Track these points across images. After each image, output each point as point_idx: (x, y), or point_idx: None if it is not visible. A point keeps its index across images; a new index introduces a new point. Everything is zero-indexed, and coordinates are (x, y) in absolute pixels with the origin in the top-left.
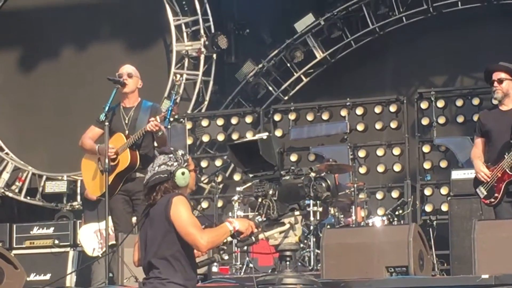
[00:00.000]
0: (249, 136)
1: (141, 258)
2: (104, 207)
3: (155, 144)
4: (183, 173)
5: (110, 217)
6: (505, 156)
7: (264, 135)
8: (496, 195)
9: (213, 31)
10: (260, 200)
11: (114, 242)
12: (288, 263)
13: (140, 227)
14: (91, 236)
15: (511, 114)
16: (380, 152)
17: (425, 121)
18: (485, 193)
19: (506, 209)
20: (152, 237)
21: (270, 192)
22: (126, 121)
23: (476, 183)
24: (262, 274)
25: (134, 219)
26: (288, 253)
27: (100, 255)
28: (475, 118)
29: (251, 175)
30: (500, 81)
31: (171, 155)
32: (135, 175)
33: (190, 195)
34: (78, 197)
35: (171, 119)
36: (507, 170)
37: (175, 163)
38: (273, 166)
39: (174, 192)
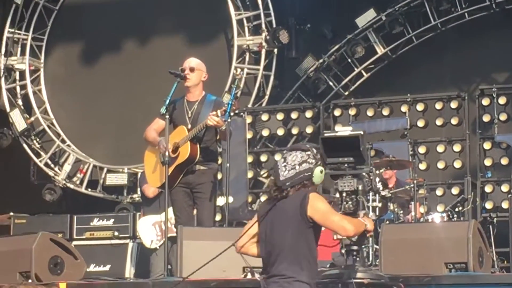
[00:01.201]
0: (309, 130)
1: (261, 250)
2: (164, 200)
3: (218, 137)
4: (321, 172)
5: (170, 209)
6: None
7: (354, 131)
8: None
9: (274, 25)
10: (344, 195)
11: (174, 234)
12: (355, 258)
13: (262, 218)
14: (150, 228)
15: None
16: (440, 148)
17: (486, 118)
18: None
19: None
20: (279, 232)
21: (360, 187)
22: (189, 115)
23: None
24: (327, 268)
25: (195, 212)
26: (355, 247)
27: (158, 247)
28: None
29: (332, 170)
30: None
31: (309, 152)
32: (195, 168)
33: (250, 189)
34: (139, 190)
35: (232, 114)
36: None
37: (313, 161)
38: (363, 162)
39: (306, 188)
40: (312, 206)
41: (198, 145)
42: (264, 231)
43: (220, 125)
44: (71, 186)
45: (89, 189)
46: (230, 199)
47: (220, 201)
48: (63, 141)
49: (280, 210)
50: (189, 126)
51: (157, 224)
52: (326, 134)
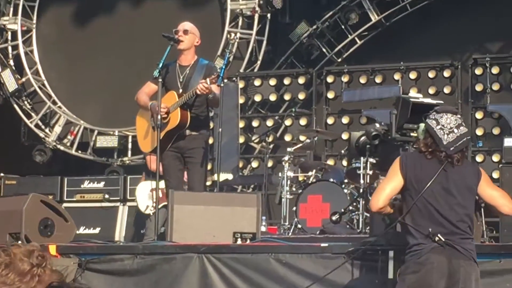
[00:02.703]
0: (301, 97)
1: (429, 210)
2: (161, 166)
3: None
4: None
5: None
6: None
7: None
8: None
9: None
10: None
11: (165, 203)
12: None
13: (429, 179)
14: (147, 194)
15: None
16: None
17: (479, 87)
18: None
19: None
20: (462, 197)
21: None
22: (181, 80)
23: None
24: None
25: (185, 178)
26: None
27: (152, 214)
28: None
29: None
30: None
31: (459, 115)
32: (186, 133)
33: (241, 155)
34: (129, 153)
35: (225, 79)
36: None
37: (464, 123)
38: None
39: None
40: (483, 182)
41: (188, 112)
42: (432, 192)
43: (209, 92)
44: (62, 148)
45: (80, 151)
46: (230, 176)
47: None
48: (54, 103)
49: (456, 175)
50: (180, 90)
51: (155, 191)
52: (413, 100)
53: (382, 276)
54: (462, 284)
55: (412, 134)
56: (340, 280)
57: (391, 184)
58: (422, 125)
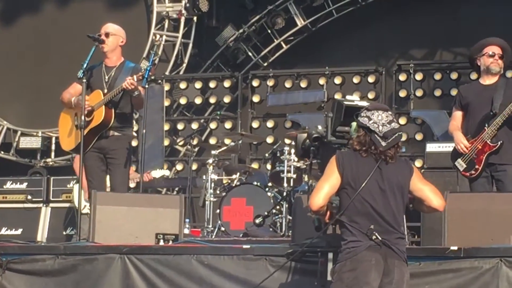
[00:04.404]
0: (227, 100)
1: (362, 208)
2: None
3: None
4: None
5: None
6: (485, 127)
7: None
8: (477, 167)
9: None
10: None
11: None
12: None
13: (366, 177)
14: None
15: (492, 88)
16: None
17: (402, 93)
18: (465, 165)
19: (482, 184)
20: (392, 200)
21: None
22: (106, 80)
23: (455, 156)
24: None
25: (108, 180)
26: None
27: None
28: (453, 92)
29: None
30: (501, 57)
31: (391, 112)
32: (109, 133)
33: (165, 157)
34: (53, 154)
35: (149, 80)
36: (487, 141)
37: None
38: None
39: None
40: (415, 177)
41: (113, 110)
42: (369, 190)
43: (136, 89)
44: None
45: (2, 152)
46: (167, 173)
47: (156, 173)
48: None
49: (390, 173)
50: (105, 90)
51: (79, 189)
52: (346, 103)
53: (321, 279)
54: (395, 285)
55: (346, 137)
56: (280, 282)
57: (329, 182)
58: (354, 124)
